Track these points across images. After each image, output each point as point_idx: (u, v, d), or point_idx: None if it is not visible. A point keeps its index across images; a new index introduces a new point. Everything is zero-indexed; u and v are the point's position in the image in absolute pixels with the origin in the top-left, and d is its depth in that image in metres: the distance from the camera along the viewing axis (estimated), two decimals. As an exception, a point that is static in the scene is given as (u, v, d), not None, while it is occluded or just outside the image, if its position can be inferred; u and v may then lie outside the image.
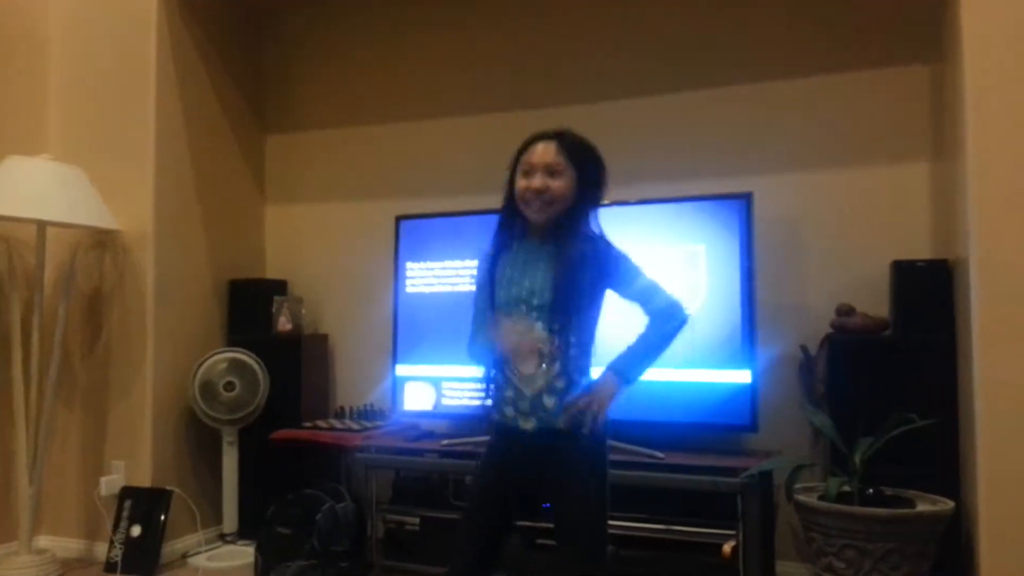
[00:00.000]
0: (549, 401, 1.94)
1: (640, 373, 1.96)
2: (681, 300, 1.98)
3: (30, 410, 3.44)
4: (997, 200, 2.63)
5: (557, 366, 1.93)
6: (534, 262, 1.97)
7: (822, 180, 3.43)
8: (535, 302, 1.93)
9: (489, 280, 2.04)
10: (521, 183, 1.98)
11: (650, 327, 1.97)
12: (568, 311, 1.93)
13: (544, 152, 1.97)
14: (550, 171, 1.95)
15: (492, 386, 2.03)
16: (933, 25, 3.23)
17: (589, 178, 2.00)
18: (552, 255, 1.96)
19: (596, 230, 2.04)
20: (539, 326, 1.93)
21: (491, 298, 2.01)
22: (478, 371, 2.06)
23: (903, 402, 2.83)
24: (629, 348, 1.97)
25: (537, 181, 1.94)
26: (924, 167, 3.30)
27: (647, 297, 1.97)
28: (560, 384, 1.94)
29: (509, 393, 1.98)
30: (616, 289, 2.00)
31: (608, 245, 2.00)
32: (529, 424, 1.95)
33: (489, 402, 2.05)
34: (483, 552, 2.02)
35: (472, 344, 2.09)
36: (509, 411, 1.99)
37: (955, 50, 2.85)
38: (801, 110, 3.46)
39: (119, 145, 3.73)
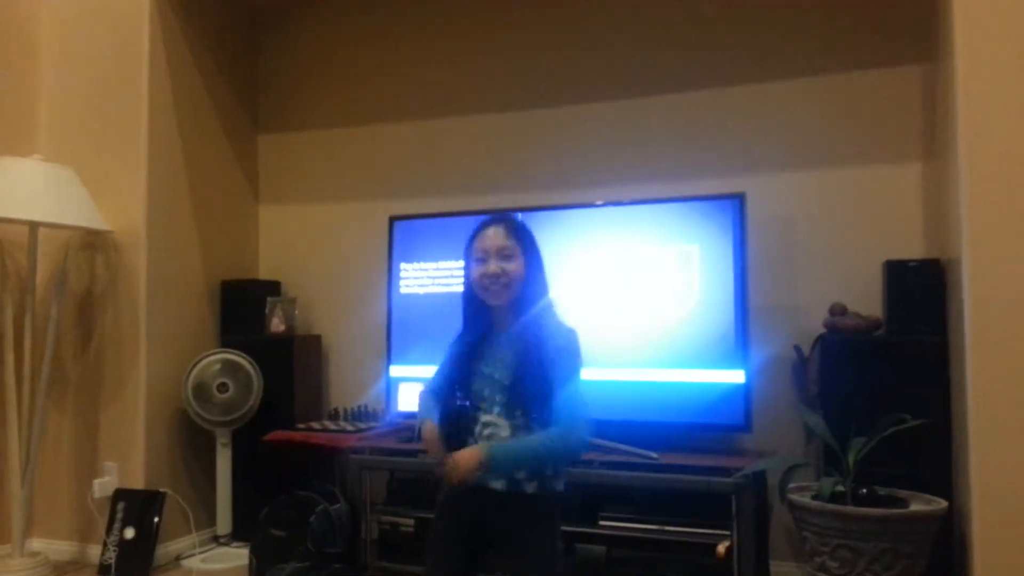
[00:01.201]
0: (520, 473, 1.98)
1: (509, 464, 1.95)
2: (586, 436, 1.97)
3: (22, 412, 3.43)
4: (989, 200, 2.64)
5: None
6: (498, 355, 2.03)
7: (815, 180, 3.44)
8: (505, 393, 1.99)
9: (462, 370, 2.07)
10: (477, 270, 2.04)
11: (546, 434, 1.95)
12: (527, 400, 1.97)
13: (495, 236, 2.04)
14: (503, 255, 2.02)
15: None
16: (925, 25, 3.24)
17: (534, 255, 2.08)
18: (514, 345, 2.01)
19: (557, 317, 2.08)
20: (519, 413, 1.98)
21: (461, 382, 2.06)
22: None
23: (896, 402, 2.84)
24: (515, 440, 1.98)
25: (492, 266, 2.01)
26: (916, 167, 3.31)
27: (565, 408, 1.94)
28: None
29: None
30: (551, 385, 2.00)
31: (568, 343, 2.01)
32: (499, 484, 1.99)
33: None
34: None
35: (426, 395, 2.14)
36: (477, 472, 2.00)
37: (947, 50, 2.85)
38: (794, 110, 3.47)
39: (111, 145, 3.72)
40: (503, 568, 2.04)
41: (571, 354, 2.00)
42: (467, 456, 1.90)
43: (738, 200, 3.19)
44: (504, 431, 1.99)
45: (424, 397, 2.13)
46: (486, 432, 2.00)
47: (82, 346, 3.75)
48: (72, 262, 3.71)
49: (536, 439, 1.94)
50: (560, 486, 2.04)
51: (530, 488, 1.99)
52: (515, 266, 2.03)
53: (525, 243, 2.07)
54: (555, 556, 2.04)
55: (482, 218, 2.12)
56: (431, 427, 2.01)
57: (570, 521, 3.14)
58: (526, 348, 1.98)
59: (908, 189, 3.32)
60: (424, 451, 2.06)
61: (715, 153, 3.57)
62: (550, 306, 2.08)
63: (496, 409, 2.00)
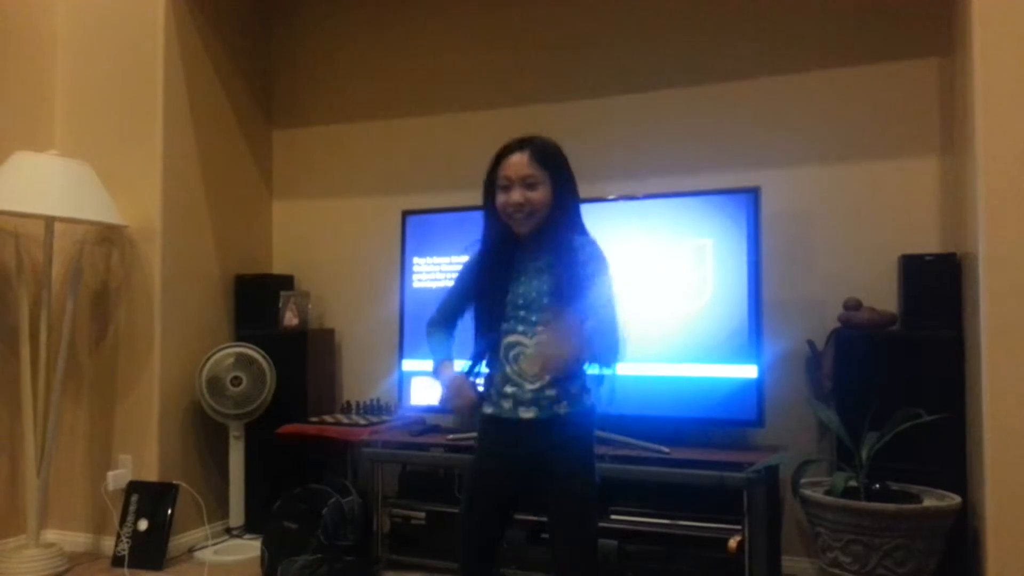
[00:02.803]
0: (551, 392, 1.99)
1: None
2: (622, 327, 1.97)
3: (38, 405, 3.46)
4: (1006, 194, 2.62)
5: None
6: (534, 275, 2.03)
7: (830, 174, 3.41)
8: (538, 310, 1.99)
9: (488, 289, 2.07)
10: (501, 198, 2.02)
11: (594, 321, 1.92)
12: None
13: (519, 165, 2.00)
14: (527, 183, 1.99)
15: (488, 383, 2.07)
16: (943, 18, 3.21)
17: (563, 180, 2.05)
18: (548, 266, 2.01)
19: (582, 229, 2.08)
20: (543, 329, 1.97)
21: (490, 309, 2.06)
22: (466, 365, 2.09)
23: (910, 397, 2.83)
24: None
25: (516, 195, 1.99)
26: (933, 161, 3.28)
27: (592, 312, 1.93)
28: (561, 377, 1.98)
29: (509, 389, 2.02)
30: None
31: (593, 252, 2.00)
32: (529, 413, 1.99)
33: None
34: (486, 557, 2.10)
35: (433, 329, 2.16)
36: (507, 403, 2.02)
37: (965, 44, 2.83)
38: (809, 104, 3.45)
39: (126, 140, 3.74)
40: (545, 501, 2.03)
41: (598, 261, 1.98)
42: (555, 340, 1.86)
43: (753, 194, 3.18)
44: (531, 348, 1.98)
45: (435, 331, 2.13)
46: (512, 353, 2.00)
47: (97, 340, 3.77)
48: (87, 257, 3.73)
49: (591, 326, 1.89)
50: (590, 402, 2.03)
51: (561, 410, 1.99)
52: (540, 195, 2.00)
53: (551, 168, 2.02)
54: (593, 476, 2.03)
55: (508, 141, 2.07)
56: (455, 373, 2.02)
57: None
58: (564, 266, 1.96)
59: (924, 183, 3.29)
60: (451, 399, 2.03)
61: (729, 147, 3.55)
62: (578, 226, 2.06)
63: (520, 328, 2.00)
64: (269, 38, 4.44)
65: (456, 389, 2.03)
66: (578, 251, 1.99)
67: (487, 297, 2.07)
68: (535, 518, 2.98)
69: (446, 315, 2.18)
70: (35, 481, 3.43)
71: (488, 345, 2.06)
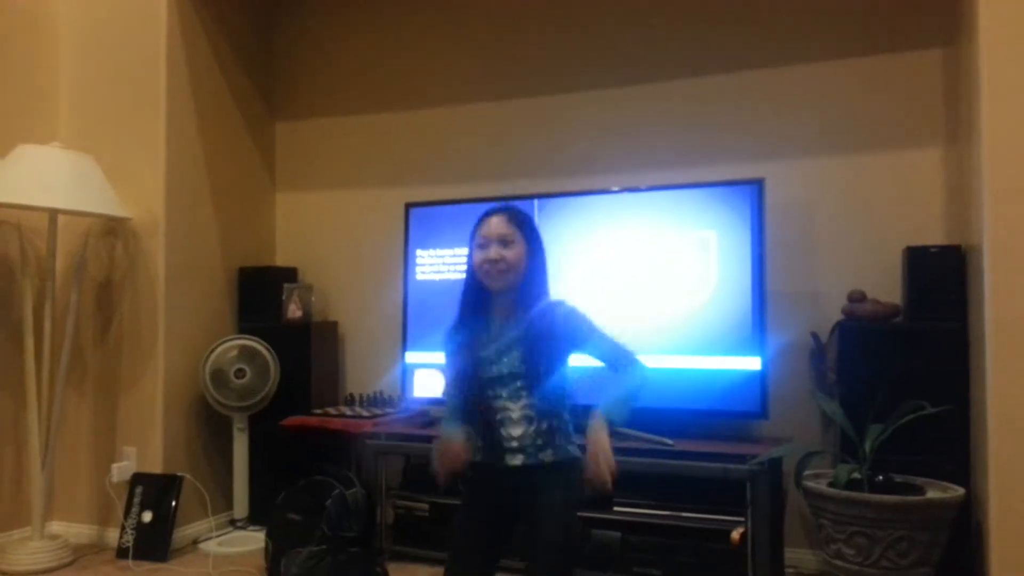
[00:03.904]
0: (539, 441, 2.06)
1: (625, 416, 2.05)
2: (643, 364, 2.10)
3: (42, 397, 3.46)
4: (1011, 186, 2.61)
5: (544, 423, 2.06)
6: (506, 340, 2.08)
7: (834, 165, 3.41)
8: (519, 377, 2.05)
9: (465, 359, 2.14)
10: (478, 256, 2.10)
11: (625, 374, 2.07)
12: (544, 379, 2.05)
13: (497, 225, 2.10)
14: (503, 242, 2.08)
15: (479, 434, 2.12)
16: (947, 8, 3.20)
17: (536, 243, 2.14)
18: (521, 330, 2.07)
19: (552, 296, 2.15)
20: (525, 394, 2.05)
21: (469, 375, 2.12)
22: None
23: (914, 389, 2.82)
24: (612, 395, 2.05)
25: (492, 252, 2.07)
26: (937, 152, 3.27)
27: (611, 350, 2.09)
28: (546, 432, 2.06)
29: (497, 444, 2.08)
30: (583, 351, 2.09)
31: (568, 310, 2.09)
32: (516, 460, 2.06)
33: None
34: None
35: (449, 403, 2.22)
36: (497, 453, 2.08)
37: (970, 33, 2.82)
38: (813, 95, 3.44)
39: (129, 133, 3.74)
40: (529, 544, 2.07)
41: (578, 315, 2.09)
42: (603, 442, 1.95)
43: (756, 186, 3.17)
44: (515, 413, 2.05)
45: (450, 404, 2.20)
46: (499, 417, 2.07)
47: (101, 332, 3.78)
48: (91, 249, 3.73)
49: (623, 384, 2.04)
50: (576, 450, 2.09)
51: (547, 457, 2.05)
52: (514, 253, 2.08)
53: (525, 231, 2.12)
54: (573, 520, 2.10)
55: (487, 206, 2.17)
56: (459, 440, 2.07)
57: (584, 506, 3.15)
58: (535, 335, 2.04)
59: (929, 174, 3.28)
60: (443, 456, 2.08)
61: (733, 138, 3.54)
62: (546, 293, 2.14)
63: (504, 393, 2.07)
64: (272, 30, 4.43)
65: (444, 454, 2.07)
66: (549, 313, 2.07)
67: (468, 377, 2.12)
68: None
69: (459, 403, 2.20)
70: (40, 473, 3.44)
71: (476, 411, 2.11)
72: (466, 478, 2.16)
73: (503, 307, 2.12)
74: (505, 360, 2.06)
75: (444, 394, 2.27)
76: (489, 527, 2.14)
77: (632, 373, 2.07)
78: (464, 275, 2.19)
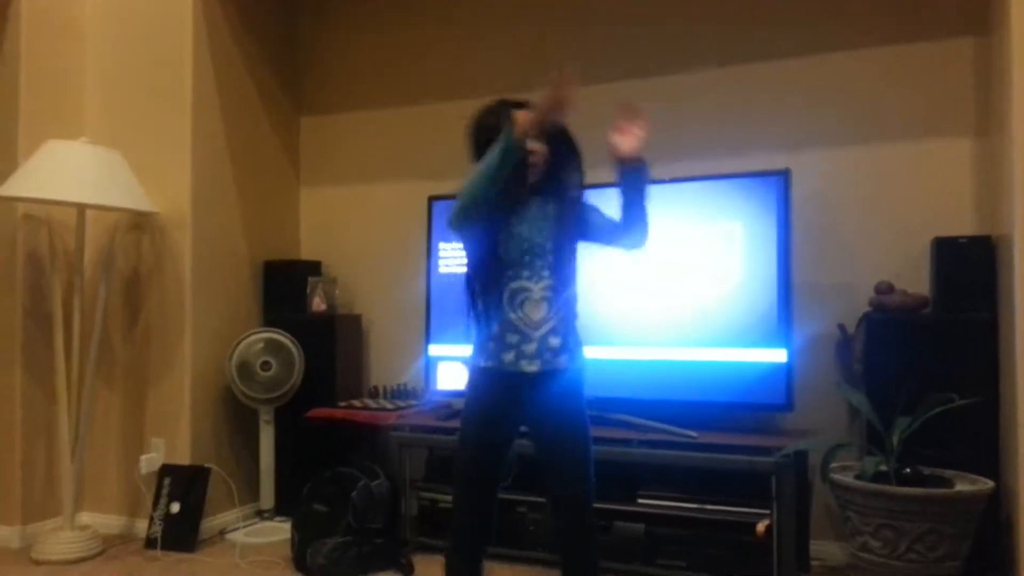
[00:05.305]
0: (555, 341, 2.09)
1: (645, 179, 2.11)
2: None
3: (71, 390, 3.51)
4: (1042, 174, 2.56)
5: (563, 310, 2.12)
6: (540, 220, 2.14)
7: (861, 156, 3.37)
8: (543, 255, 2.11)
9: (491, 237, 2.15)
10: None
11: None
12: (567, 261, 2.15)
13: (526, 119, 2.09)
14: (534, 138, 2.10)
15: (487, 336, 2.13)
16: (977, -4, 3.15)
17: (558, 139, 2.20)
18: (548, 213, 2.14)
19: (579, 186, 2.22)
20: (547, 274, 2.11)
21: (495, 249, 2.13)
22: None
23: (942, 381, 2.79)
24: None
25: (535, 146, 2.11)
26: (967, 142, 3.22)
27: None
28: (563, 325, 2.12)
29: (513, 339, 2.09)
30: (593, 218, 2.19)
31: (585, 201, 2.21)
32: (533, 366, 2.08)
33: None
34: (486, 520, 2.19)
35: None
36: (509, 356, 2.10)
37: (1002, 22, 2.77)
38: (840, 84, 3.40)
39: (156, 128, 3.77)
40: (548, 449, 2.13)
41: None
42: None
43: (782, 177, 3.15)
44: (536, 293, 2.09)
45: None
46: (518, 299, 2.09)
47: (129, 326, 3.82)
48: (119, 243, 3.77)
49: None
50: (584, 358, 2.17)
51: (562, 364, 2.10)
52: (539, 147, 2.13)
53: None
54: (587, 423, 2.15)
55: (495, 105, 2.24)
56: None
57: (608, 499, 3.15)
58: (565, 220, 2.13)
59: (959, 165, 3.23)
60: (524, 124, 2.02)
61: (759, 129, 3.51)
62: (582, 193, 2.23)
63: (526, 273, 2.10)
64: (297, 25, 4.45)
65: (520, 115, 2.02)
66: (580, 197, 2.18)
67: (496, 240, 2.12)
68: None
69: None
70: (70, 465, 3.49)
71: (494, 295, 2.11)
72: (470, 380, 2.18)
73: (535, 196, 2.16)
74: (532, 233, 2.10)
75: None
76: (495, 449, 2.16)
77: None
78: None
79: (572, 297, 2.15)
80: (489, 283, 2.11)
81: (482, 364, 2.13)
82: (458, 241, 2.17)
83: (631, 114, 2.07)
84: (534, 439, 2.17)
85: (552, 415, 2.11)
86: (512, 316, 2.09)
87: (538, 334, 2.08)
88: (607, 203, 2.20)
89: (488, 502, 2.18)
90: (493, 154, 1.98)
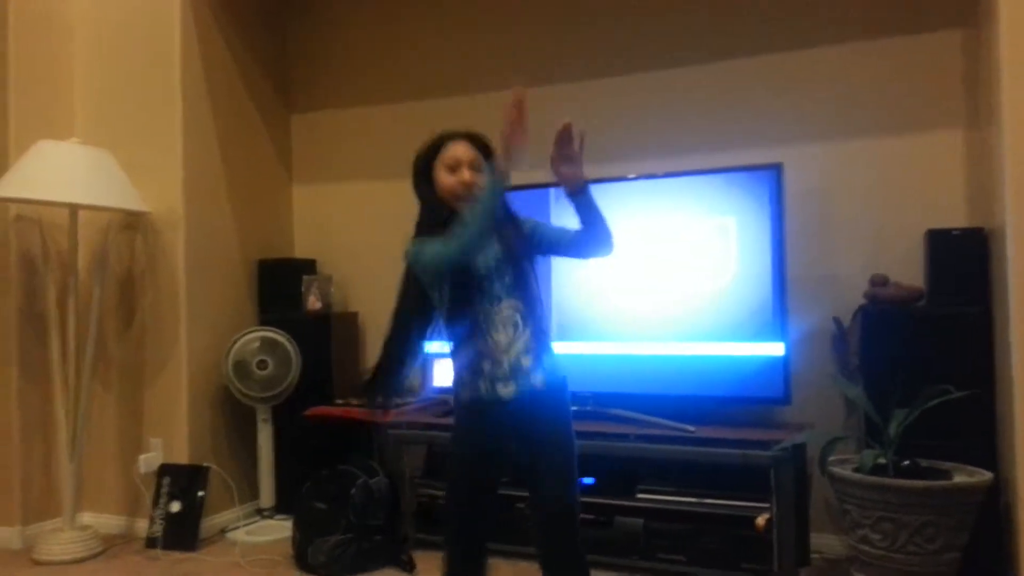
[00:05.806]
0: (526, 361, 2.07)
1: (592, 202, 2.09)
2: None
3: (68, 390, 3.50)
4: (1034, 167, 2.58)
5: (530, 328, 2.10)
6: (486, 246, 2.09)
7: (854, 149, 3.38)
8: (500, 279, 2.09)
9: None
10: (450, 179, 2.14)
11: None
12: (526, 280, 2.12)
13: (466, 150, 2.15)
14: (473, 167, 2.13)
15: (461, 368, 2.12)
16: (968, -12, 3.16)
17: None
18: (496, 238, 2.11)
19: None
20: (506, 297, 2.09)
21: (463, 290, 2.10)
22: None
23: (938, 373, 2.81)
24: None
25: (467, 175, 2.12)
26: (958, 134, 3.24)
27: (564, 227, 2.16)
28: (533, 344, 2.09)
29: (485, 366, 2.08)
30: (546, 235, 2.18)
31: (525, 218, 2.20)
32: (508, 390, 2.07)
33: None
34: (480, 547, 2.20)
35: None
36: (485, 384, 2.08)
37: (990, 14, 2.78)
38: (831, 78, 3.41)
39: (146, 127, 3.75)
40: (530, 467, 2.11)
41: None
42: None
43: (775, 171, 3.15)
44: (504, 312, 2.07)
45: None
46: (485, 324, 2.07)
47: (124, 325, 3.81)
48: (112, 243, 3.76)
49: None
50: (563, 373, 2.14)
51: (538, 382, 2.08)
52: (481, 176, 2.10)
53: (487, 156, 2.13)
54: (573, 440, 2.13)
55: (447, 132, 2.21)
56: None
57: (608, 494, 3.17)
58: (517, 240, 2.11)
59: (950, 157, 3.25)
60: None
61: (751, 123, 3.52)
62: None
63: (486, 302, 2.08)
64: (286, 22, 4.42)
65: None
66: (516, 216, 2.16)
67: (460, 284, 2.10)
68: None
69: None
70: (68, 465, 3.48)
71: (459, 327, 2.10)
72: (455, 414, 2.18)
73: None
74: (485, 260, 2.07)
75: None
76: (485, 474, 2.15)
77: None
78: (425, 200, 2.19)
79: (539, 315, 2.14)
80: (454, 316, 2.10)
81: (462, 397, 2.13)
82: (427, 286, 2.13)
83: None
84: (522, 459, 2.14)
85: (534, 433, 2.09)
86: (480, 344, 2.07)
87: (508, 357, 2.07)
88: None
89: (480, 543, 2.19)
90: (485, 195, 2.00)
